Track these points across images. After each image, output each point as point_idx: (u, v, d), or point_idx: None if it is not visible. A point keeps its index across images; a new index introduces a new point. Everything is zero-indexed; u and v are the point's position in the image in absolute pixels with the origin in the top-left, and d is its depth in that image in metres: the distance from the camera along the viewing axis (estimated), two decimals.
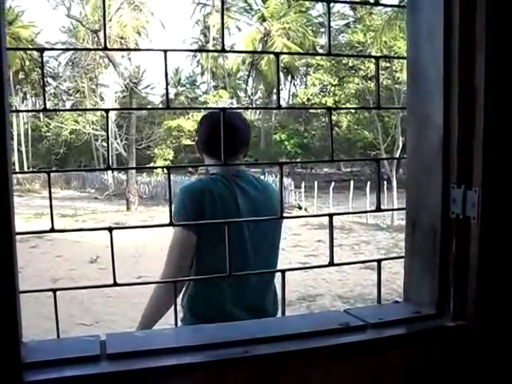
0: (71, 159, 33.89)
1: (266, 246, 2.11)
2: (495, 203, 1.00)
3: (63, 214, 17.83)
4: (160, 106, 32.81)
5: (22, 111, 45.41)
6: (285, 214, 1.45)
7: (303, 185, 19.55)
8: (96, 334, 0.98)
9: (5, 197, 0.80)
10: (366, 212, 13.39)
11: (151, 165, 25.38)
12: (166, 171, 23.43)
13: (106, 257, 8.38)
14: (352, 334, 1.02)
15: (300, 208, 18.92)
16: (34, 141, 33.87)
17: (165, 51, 1.08)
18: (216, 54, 34.00)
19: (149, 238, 12.10)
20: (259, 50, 32.52)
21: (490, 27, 0.96)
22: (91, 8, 24.65)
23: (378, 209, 1.30)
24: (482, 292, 1.02)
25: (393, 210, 1.83)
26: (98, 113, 23.43)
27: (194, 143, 2.28)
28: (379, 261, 1.23)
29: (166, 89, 1.20)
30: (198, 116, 24.51)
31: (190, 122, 26.12)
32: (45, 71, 30.93)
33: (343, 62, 22.06)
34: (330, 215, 1.22)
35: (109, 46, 18.86)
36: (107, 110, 1.18)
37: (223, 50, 1.20)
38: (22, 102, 34.72)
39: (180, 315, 2.00)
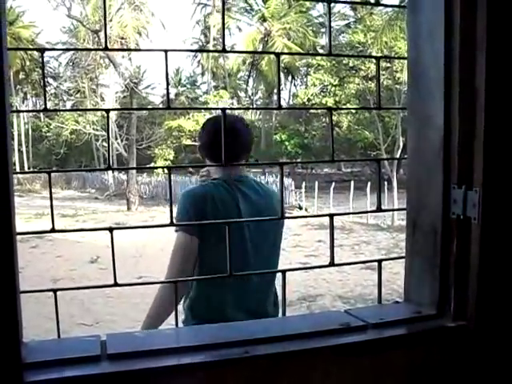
0: (72, 159, 33.90)
1: (267, 247, 2.11)
2: (496, 203, 1.00)
3: (64, 214, 17.84)
4: (160, 106, 32.88)
5: (23, 111, 45.39)
6: (285, 215, 1.45)
7: (304, 185, 19.54)
8: (96, 334, 0.98)
9: (5, 197, 0.80)
10: (366, 212, 13.39)
11: (152, 165, 25.35)
12: (166, 171, 23.37)
13: (106, 257, 8.37)
14: (352, 335, 1.02)
15: (300, 208, 18.92)
16: (35, 141, 33.87)
17: (165, 51, 1.08)
18: (216, 54, 33.97)
19: (149, 238, 12.11)
20: (260, 50, 32.52)
21: (491, 27, 0.96)
22: (92, 8, 24.66)
23: (379, 209, 1.30)
24: (483, 292, 1.02)
25: (393, 210, 1.83)
26: (99, 113, 23.45)
27: (194, 143, 2.29)
28: (380, 261, 1.23)
29: (167, 89, 1.21)
30: (199, 116, 24.56)
31: (190, 122, 26.09)
32: (45, 71, 30.86)
33: (344, 62, 22.04)
34: (331, 215, 1.22)
35: (109, 47, 18.82)
36: (108, 110, 1.18)
37: (224, 51, 1.20)
38: (23, 102, 34.74)
39: (181, 317, 2.00)
